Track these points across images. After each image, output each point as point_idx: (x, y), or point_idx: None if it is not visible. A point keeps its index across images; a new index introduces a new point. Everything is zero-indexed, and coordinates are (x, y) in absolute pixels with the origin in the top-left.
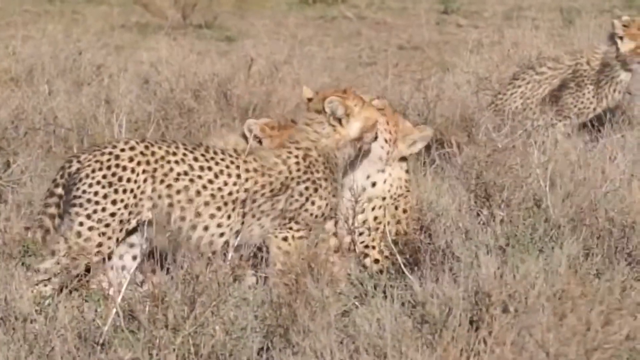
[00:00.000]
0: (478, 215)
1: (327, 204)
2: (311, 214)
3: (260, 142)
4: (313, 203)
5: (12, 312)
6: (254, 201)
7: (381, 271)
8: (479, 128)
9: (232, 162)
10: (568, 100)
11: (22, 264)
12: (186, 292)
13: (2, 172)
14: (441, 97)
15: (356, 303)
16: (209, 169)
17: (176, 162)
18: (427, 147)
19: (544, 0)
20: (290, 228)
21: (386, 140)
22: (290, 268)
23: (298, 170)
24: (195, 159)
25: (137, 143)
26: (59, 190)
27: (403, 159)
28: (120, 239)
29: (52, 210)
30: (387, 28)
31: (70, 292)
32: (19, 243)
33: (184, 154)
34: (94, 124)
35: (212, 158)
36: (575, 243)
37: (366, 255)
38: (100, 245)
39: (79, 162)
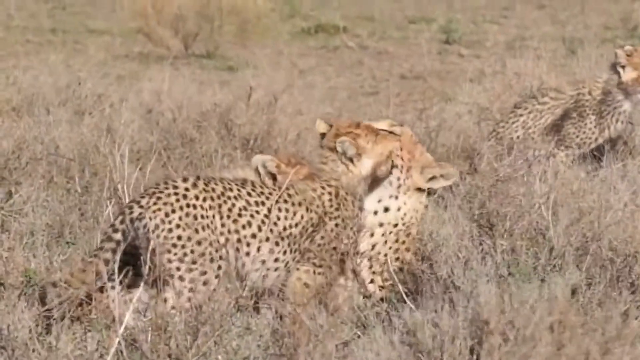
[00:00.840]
0: (480, 244)
1: (352, 243)
2: (337, 251)
3: (274, 178)
4: (341, 241)
5: (13, 341)
6: (301, 236)
7: (383, 299)
8: (481, 158)
9: (280, 197)
10: (570, 130)
11: (24, 293)
12: (189, 322)
13: (5, 202)
14: (443, 126)
15: (358, 332)
16: (262, 203)
17: (235, 197)
18: None
19: (546, 30)
20: (314, 263)
21: (396, 166)
22: (305, 300)
23: (331, 206)
24: (249, 194)
25: (196, 180)
26: (118, 236)
27: (421, 190)
28: (219, 277)
29: (108, 255)
30: (389, 58)
31: (72, 321)
32: (21, 273)
33: (239, 190)
34: (95, 154)
35: (262, 193)
36: (578, 272)
37: (372, 281)
38: (205, 283)
39: (140, 206)
